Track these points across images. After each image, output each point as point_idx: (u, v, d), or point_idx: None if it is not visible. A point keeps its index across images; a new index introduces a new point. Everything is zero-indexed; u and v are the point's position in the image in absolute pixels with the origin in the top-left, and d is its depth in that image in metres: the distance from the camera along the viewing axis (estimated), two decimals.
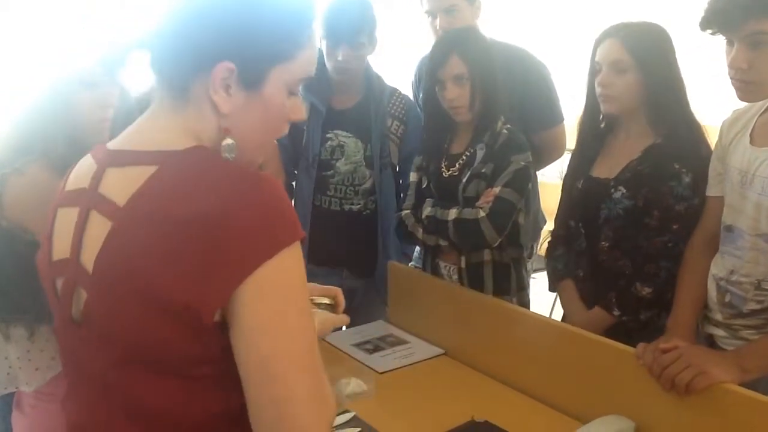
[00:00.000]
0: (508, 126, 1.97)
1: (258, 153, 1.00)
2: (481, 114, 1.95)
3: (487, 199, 1.87)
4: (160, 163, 0.88)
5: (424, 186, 2.07)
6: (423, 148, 2.10)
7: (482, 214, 1.85)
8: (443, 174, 2.02)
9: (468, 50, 1.91)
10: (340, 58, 2.18)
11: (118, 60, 0.99)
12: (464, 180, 1.94)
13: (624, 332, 1.73)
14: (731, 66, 1.40)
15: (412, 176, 2.12)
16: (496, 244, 1.91)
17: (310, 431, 0.86)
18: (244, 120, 0.94)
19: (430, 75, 1.97)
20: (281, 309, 0.85)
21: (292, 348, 0.85)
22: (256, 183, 0.85)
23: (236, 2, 0.91)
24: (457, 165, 2.00)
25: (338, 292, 1.31)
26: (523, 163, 1.91)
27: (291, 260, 0.85)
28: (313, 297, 1.25)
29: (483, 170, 1.92)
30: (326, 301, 1.27)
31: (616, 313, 1.77)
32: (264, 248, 0.82)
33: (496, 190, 1.87)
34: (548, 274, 2.01)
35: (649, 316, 1.78)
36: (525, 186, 1.94)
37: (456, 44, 1.93)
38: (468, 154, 1.98)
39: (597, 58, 1.78)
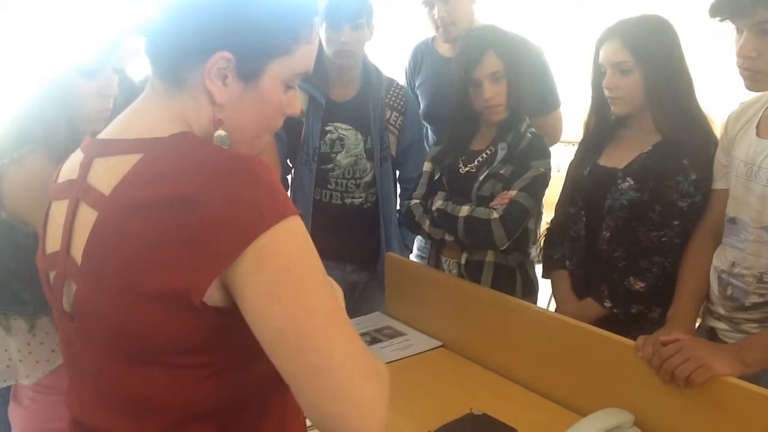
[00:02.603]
0: (533, 130, 1.96)
1: (251, 146, 0.99)
2: (510, 112, 1.93)
3: (502, 201, 1.85)
4: (145, 150, 0.87)
5: (436, 178, 2.05)
6: (444, 144, 2.08)
7: (495, 215, 1.83)
8: (460, 170, 2.00)
9: (502, 47, 1.89)
10: (343, 39, 2.17)
11: (117, 48, 0.98)
12: (481, 178, 1.93)
13: (615, 324, 1.72)
14: (739, 54, 1.39)
15: (426, 166, 2.10)
16: (503, 247, 1.89)
17: (363, 401, 0.83)
18: (238, 111, 0.93)
19: (462, 75, 1.92)
20: (284, 280, 0.82)
21: (309, 314, 0.82)
22: (242, 163, 0.83)
23: None
24: (475, 162, 1.98)
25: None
26: (542, 170, 1.89)
27: (287, 234, 0.82)
28: None
29: (501, 171, 1.90)
30: None
31: (607, 304, 1.77)
32: (252, 227, 0.80)
33: (513, 193, 1.85)
34: (543, 260, 2.01)
35: (640, 309, 1.78)
36: (541, 192, 1.93)
37: (490, 41, 1.90)
38: (488, 152, 1.97)
39: (600, 60, 1.77)
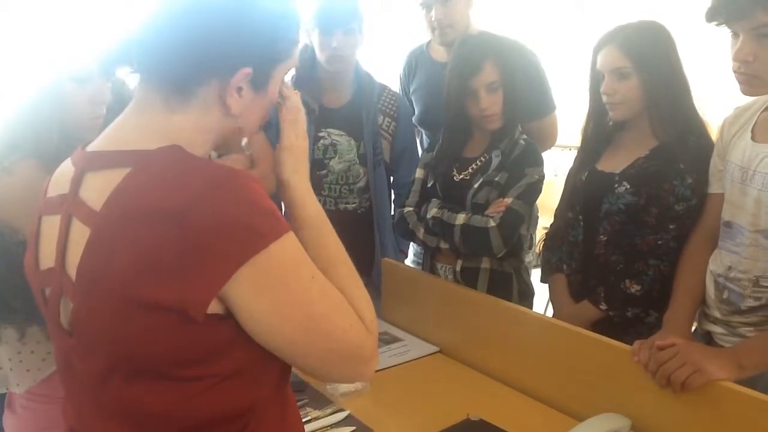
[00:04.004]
0: (525, 137, 1.97)
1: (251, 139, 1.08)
2: (504, 121, 1.94)
3: (498, 209, 1.86)
4: (133, 164, 0.87)
5: (429, 185, 2.05)
6: (437, 151, 2.08)
7: (492, 223, 1.84)
8: (454, 177, 2.00)
9: (500, 57, 1.89)
10: (335, 44, 2.18)
11: (112, 56, 0.97)
12: (476, 186, 1.93)
13: (612, 327, 1.73)
14: (736, 59, 1.38)
15: (418, 173, 2.10)
16: (500, 255, 1.90)
17: (365, 353, 0.96)
18: (250, 116, 0.98)
19: (459, 84, 1.92)
20: (286, 296, 0.87)
21: (317, 321, 0.90)
22: (232, 177, 0.84)
23: (244, 6, 0.92)
24: (469, 169, 1.98)
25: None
26: (536, 177, 1.90)
27: (281, 251, 0.85)
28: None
29: (496, 178, 1.91)
30: None
31: (603, 307, 1.78)
32: (247, 246, 0.81)
33: (508, 201, 1.86)
34: (542, 265, 2.01)
35: (635, 312, 1.78)
36: (535, 199, 1.95)
37: (489, 52, 1.89)
38: (483, 159, 1.97)
39: (598, 66, 1.77)
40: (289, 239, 0.87)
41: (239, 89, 0.93)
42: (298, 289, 0.88)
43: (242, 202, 0.82)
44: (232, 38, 0.90)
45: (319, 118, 2.30)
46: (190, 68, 0.91)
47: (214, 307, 0.84)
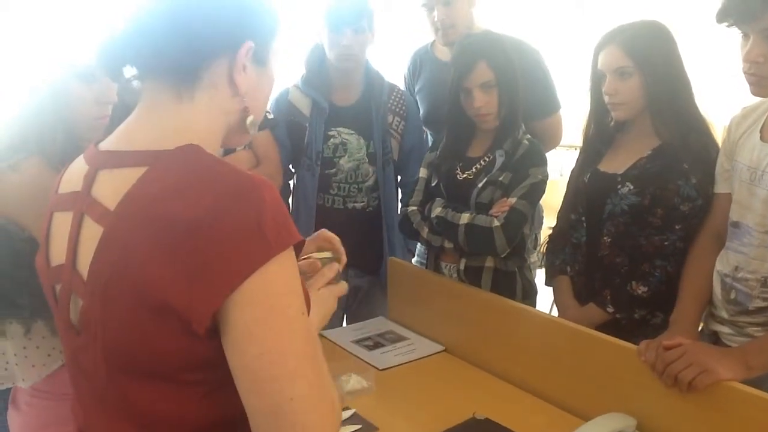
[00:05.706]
0: (529, 137, 1.97)
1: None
2: (504, 120, 1.94)
3: (502, 209, 1.87)
4: (150, 163, 0.86)
5: (433, 184, 2.05)
6: (441, 150, 2.08)
7: (497, 223, 1.85)
8: (457, 176, 2.01)
9: (495, 56, 1.90)
10: (344, 43, 2.19)
11: (115, 55, 0.97)
12: (479, 185, 1.94)
13: (618, 329, 1.72)
14: (746, 60, 1.38)
15: (422, 172, 2.11)
16: (504, 254, 1.90)
17: None
18: (256, 95, 0.98)
19: (454, 83, 1.95)
20: (266, 318, 0.82)
21: (280, 357, 0.83)
22: (250, 187, 0.82)
23: None
24: (473, 169, 1.99)
25: (332, 239, 1.23)
26: (540, 177, 1.91)
27: (281, 267, 0.82)
28: (314, 255, 1.19)
29: (500, 178, 1.91)
30: (328, 255, 1.21)
31: (610, 309, 1.77)
32: (256, 256, 0.80)
33: (512, 201, 1.87)
34: (546, 268, 2.01)
35: (642, 314, 1.78)
36: (538, 199, 1.96)
37: (482, 51, 1.91)
38: (486, 159, 1.97)
39: (599, 66, 1.77)
40: (290, 258, 0.84)
41: (243, 67, 0.93)
42: (280, 316, 0.83)
43: (260, 212, 0.81)
44: (235, 11, 0.91)
45: (330, 116, 2.31)
46: (197, 48, 0.90)
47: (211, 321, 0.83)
